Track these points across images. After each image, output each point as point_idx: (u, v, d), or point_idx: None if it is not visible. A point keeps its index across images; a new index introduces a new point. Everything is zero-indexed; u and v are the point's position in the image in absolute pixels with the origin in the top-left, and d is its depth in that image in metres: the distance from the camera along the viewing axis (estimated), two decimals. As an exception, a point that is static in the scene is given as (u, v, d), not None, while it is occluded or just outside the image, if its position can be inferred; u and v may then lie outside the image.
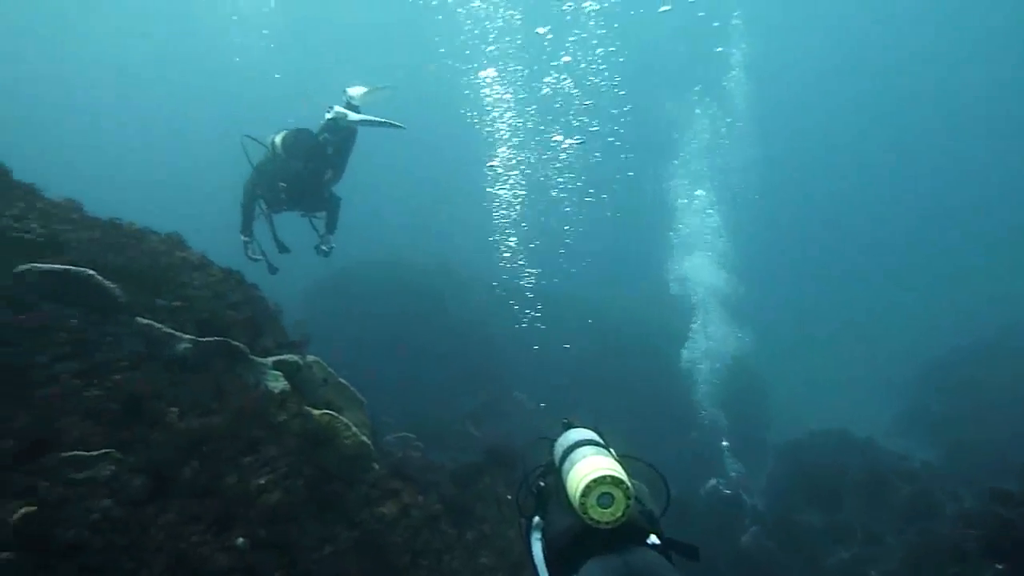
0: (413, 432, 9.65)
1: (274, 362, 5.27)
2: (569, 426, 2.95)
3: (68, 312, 4.13)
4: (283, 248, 7.77)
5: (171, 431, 4.00)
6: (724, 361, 15.09)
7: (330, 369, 6.54)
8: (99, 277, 4.31)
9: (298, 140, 7.26)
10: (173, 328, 4.74)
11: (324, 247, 7.76)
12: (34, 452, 3.40)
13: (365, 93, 7.73)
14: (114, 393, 3.94)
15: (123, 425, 3.85)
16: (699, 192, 17.81)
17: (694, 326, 15.70)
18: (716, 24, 24.65)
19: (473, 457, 9.04)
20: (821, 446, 14.49)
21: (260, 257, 7.64)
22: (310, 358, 6.34)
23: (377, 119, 7.25)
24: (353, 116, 7.23)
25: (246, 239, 7.59)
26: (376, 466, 5.33)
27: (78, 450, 3.52)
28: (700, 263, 16.67)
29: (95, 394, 3.87)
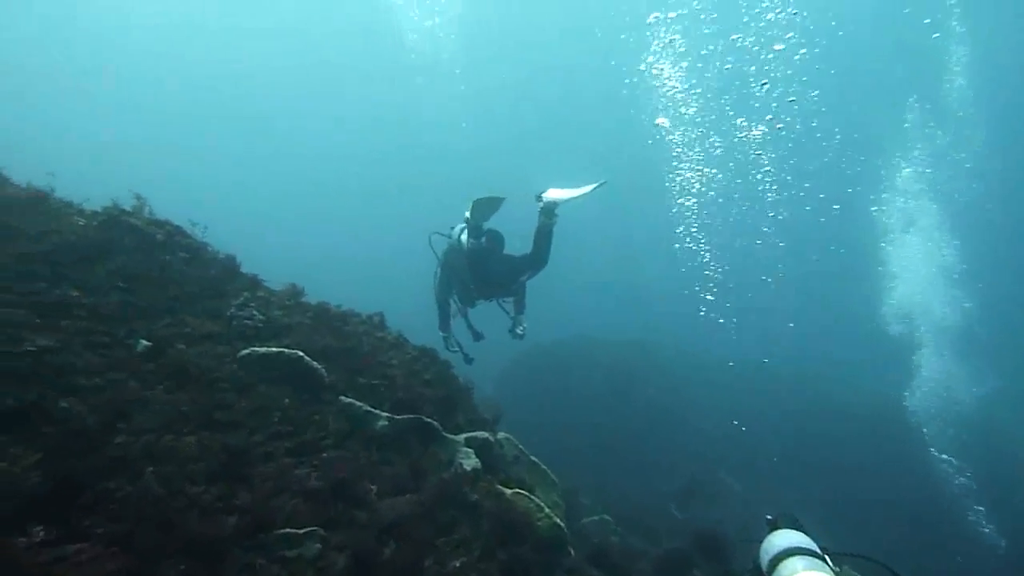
0: (611, 515, 9.13)
1: (466, 439, 5.27)
2: (774, 526, 2.67)
3: (281, 392, 4.47)
4: (478, 336, 8.02)
5: (371, 510, 4.06)
6: (961, 410, 12.77)
7: (521, 447, 6.44)
8: (307, 359, 4.65)
9: (492, 238, 7.36)
10: (372, 406, 4.95)
11: (518, 329, 7.76)
12: (253, 529, 3.62)
13: (571, 198, 7.66)
14: (320, 471, 4.13)
15: (328, 503, 3.99)
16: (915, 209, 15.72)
17: (923, 373, 13.56)
18: (931, 27, 22.01)
19: (678, 544, 8.29)
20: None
21: (457, 349, 7.91)
22: (501, 435, 6.31)
23: (570, 195, 7.22)
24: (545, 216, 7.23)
25: (444, 334, 7.92)
26: (572, 551, 4.99)
27: (289, 527, 3.68)
28: (924, 293, 14.52)
29: (304, 472, 4.08)
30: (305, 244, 44.50)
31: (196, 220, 5.49)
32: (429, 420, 5.14)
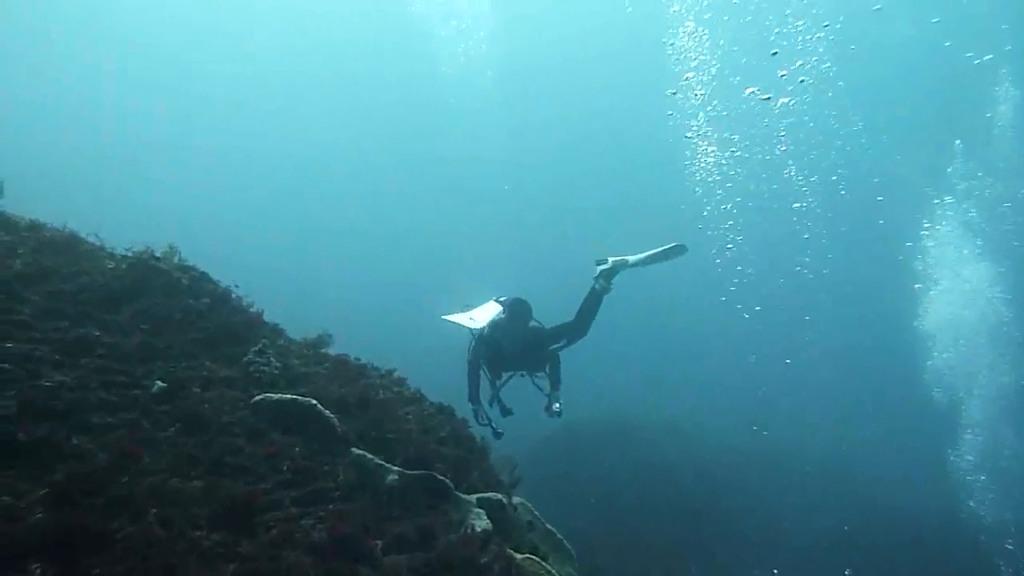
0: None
1: (478, 499, 5.16)
2: None
3: (292, 440, 4.48)
4: (506, 411, 7.95)
5: (375, 567, 3.97)
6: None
7: (536, 513, 6.28)
8: (320, 407, 4.67)
9: (518, 302, 7.65)
10: (383, 460, 4.91)
11: (555, 406, 7.66)
12: (251, 579, 3.56)
13: (640, 261, 7.65)
14: (326, 523, 4.08)
15: (331, 556, 3.92)
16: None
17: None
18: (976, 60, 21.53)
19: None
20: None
21: (487, 423, 7.76)
22: (516, 499, 6.16)
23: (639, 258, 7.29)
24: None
25: (474, 407, 7.83)
26: (587, 628, 4.77)
27: (288, 579, 3.61)
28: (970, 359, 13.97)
29: (309, 523, 4.03)
30: (329, 268, 44.33)
31: (237, 283, 5.67)
32: (441, 478, 5.06)
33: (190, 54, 42.08)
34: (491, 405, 7.92)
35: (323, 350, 5.87)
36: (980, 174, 18.81)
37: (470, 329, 7.95)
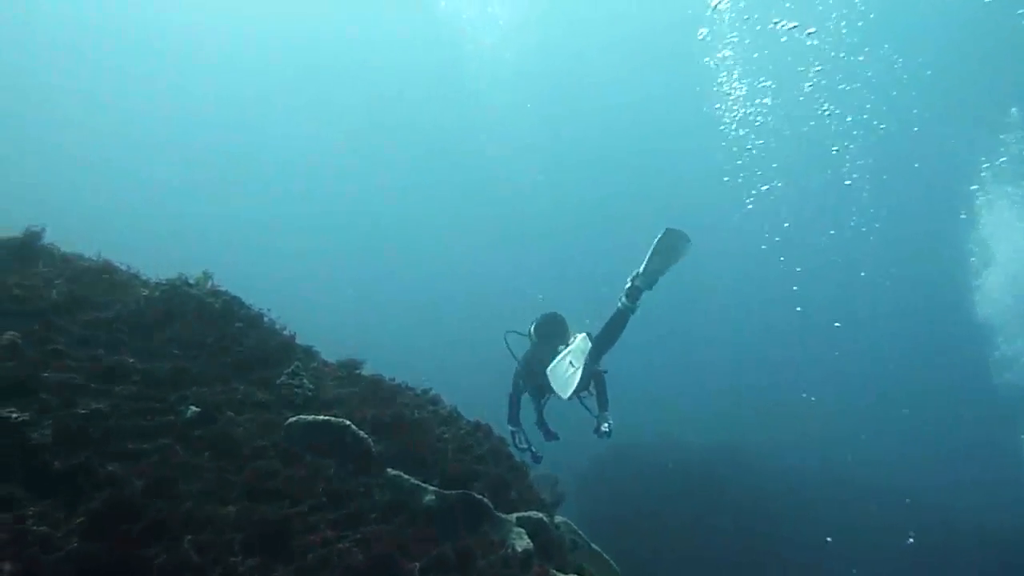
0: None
1: (518, 518, 5.05)
2: None
3: (327, 463, 4.44)
4: (550, 435, 7.86)
5: (414, 590, 3.89)
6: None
7: (580, 532, 6.13)
8: (354, 428, 4.64)
9: (547, 322, 7.65)
10: (420, 480, 4.84)
11: (604, 427, 7.45)
12: (287, 604, 3.51)
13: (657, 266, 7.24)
14: (362, 546, 4.02)
15: (370, 580, 3.85)
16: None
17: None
18: None
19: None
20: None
21: (526, 447, 7.69)
22: (558, 519, 6.03)
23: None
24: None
25: (513, 429, 7.76)
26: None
27: (325, 604, 3.55)
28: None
29: (345, 546, 3.97)
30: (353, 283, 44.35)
31: (269, 307, 5.71)
32: (480, 497, 4.97)
33: (211, 59, 42.61)
34: (538, 427, 7.85)
35: (356, 371, 5.86)
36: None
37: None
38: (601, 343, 7.02)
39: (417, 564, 4.03)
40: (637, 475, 17.35)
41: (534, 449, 7.64)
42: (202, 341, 4.76)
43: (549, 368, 6.98)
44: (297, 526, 3.99)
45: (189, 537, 3.52)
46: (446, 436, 5.78)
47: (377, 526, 4.25)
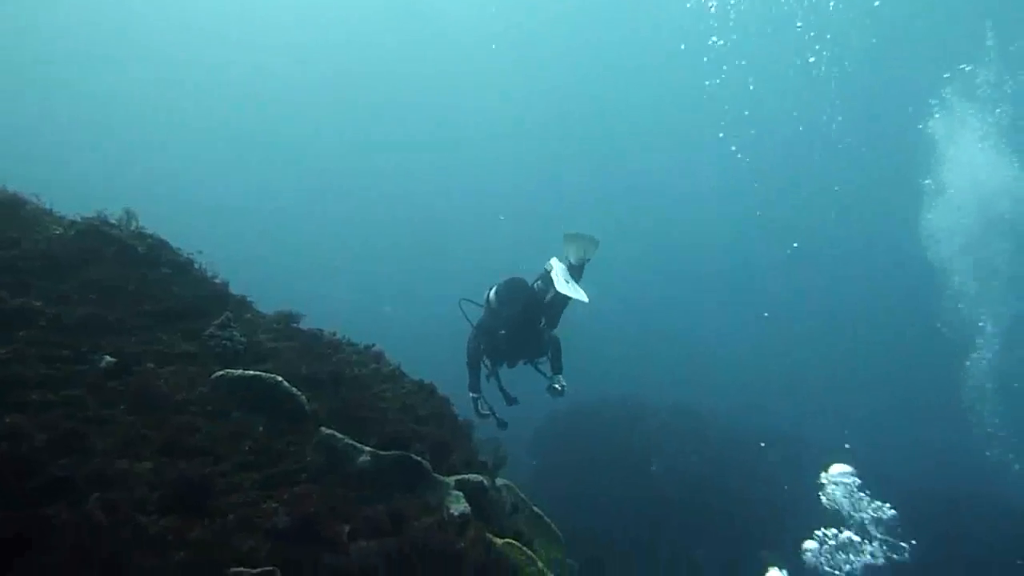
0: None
1: (457, 481, 4.99)
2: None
3: (255, 420, 4.27)
4: (511, 400, 7.98)
5: (341, 553, 3.79)
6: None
7: (523, 496, 6.13)
8: (287, 384, 4.46)
9: (510, 288, 7.81)
10: (355, 440, 4.72)
11: (556, 386, 7.80)
12: (203, 566, 3.37)
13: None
14: (289, 507, 3.89)
15: (293, 542, 3.74)
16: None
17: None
18: None
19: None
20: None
21: (489, 412, 7.88)
22: (500, 482, 6.00)
23: (570, 293, 7.39)
24: (560, 286, 7.38)
25: (474, 395, 7.95)
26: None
27: (244, 567, 3.43)
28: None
29: (270, 507, 3.84)
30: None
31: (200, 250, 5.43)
32: (418, 459, 4.88)
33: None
34: (499, 390, 7.96)
35: (294, 324, 5.64)
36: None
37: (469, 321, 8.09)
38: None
39: (346, 527, 3.93)
40: (593, 434, 17.57)
41: (498, 415, 7.82)
42: (122, 287, 4.49)
43: (559, 287, 7.33)
44: (219, 485, 3.84)
45: (96, 495, 3.33)
46: (387, 395, 5.66)
47: (305, 487, 4.12)
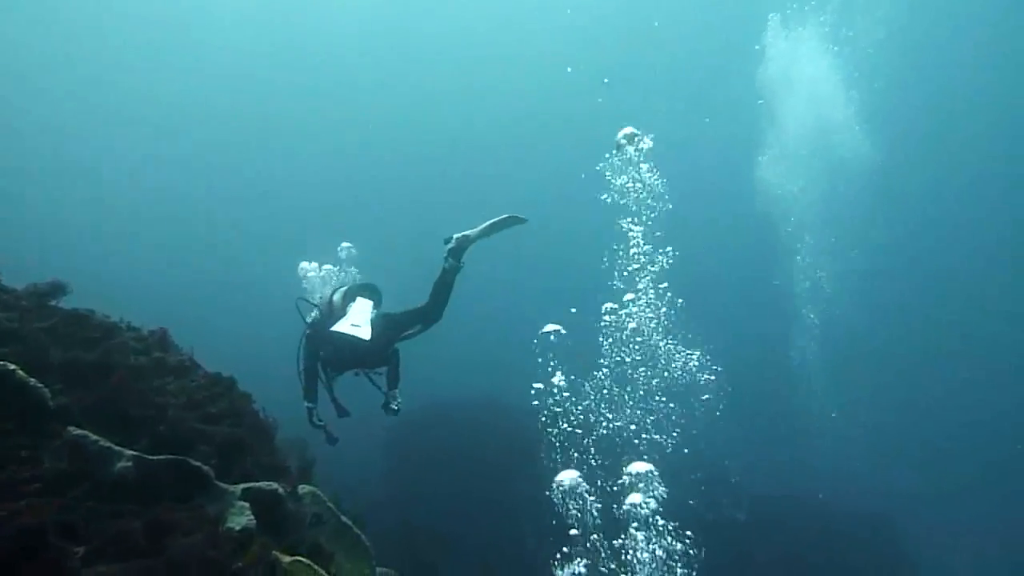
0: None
1: (243, 490, 4.50)
2: None
3: (-26, 416, 3.58)
4: (343, 412, 7.62)
5: (70, 580, 3.23)
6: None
7: (330, 505, 5.73)
8: (21, 373, 3.79)
9: (360, 294, 7.39)
10: (118, 442, 4.12)
11: (393, 405, 7.53)
12: None
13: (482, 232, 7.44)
14: (8, 521, 3.27)
15: (9, 567, 3.14)
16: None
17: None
18: None
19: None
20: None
21: (322, 424, 7.54)
22: (304, 489, 5.56)
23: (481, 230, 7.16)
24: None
25: (309, 406, 7.49)
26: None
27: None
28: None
29: (-19, 525, 3.20)
30: None
31: None
32: (196, 464, 4.35)
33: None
34: (331, 400, 7.57)
35: (51, 302, 4.87)
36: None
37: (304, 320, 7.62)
38: (432, 307, 7.20)
39: (80, 548, 3.37)
40: (446, 439, 17.44)
41: (330, 430, 7.54)
42: None
43: (337, 325, 6.90)
44: (-93, 498, 3.15)
45: None
46: (170, 388, 5.04)
47: (35, 500, 3.50)
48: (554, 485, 8.40)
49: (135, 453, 4.10)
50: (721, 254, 29.89)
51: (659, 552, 8.08)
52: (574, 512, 8.52)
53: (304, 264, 8.62)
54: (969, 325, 30.74)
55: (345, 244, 8.96)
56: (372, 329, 6.87)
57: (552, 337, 9.10)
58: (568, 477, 8.44)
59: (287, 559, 4.19)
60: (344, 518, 5.79)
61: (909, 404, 28.67)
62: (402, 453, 17.39)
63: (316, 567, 4.23)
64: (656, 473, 8.14)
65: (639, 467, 8.24)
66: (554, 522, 8.78)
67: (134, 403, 4.59)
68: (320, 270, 8.62)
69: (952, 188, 29.70)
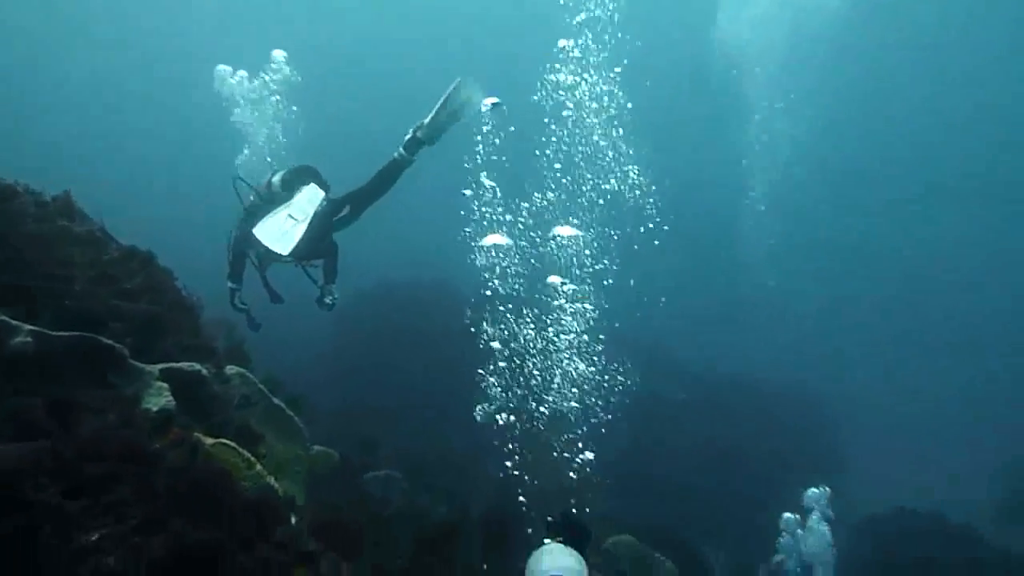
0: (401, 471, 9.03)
1: (162, 370, 4.28)
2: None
3: None
4: (276, 298, 7.34)
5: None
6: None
7: (260, 386, 5.59)
8: None
9: (300, 177, 6.82)
10: (13, 316, 3.80)
11: (328, 299, 7.25)
12: None
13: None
14: None
15: None
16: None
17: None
18: None
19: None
20: (908, 527, 13.51)
21: (244, 308, 7.26)
22: (231, 370, 5.38)
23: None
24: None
25: (233, 287, 7.18)
26: (293, 519, 4.28)
27: None
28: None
29: None
30: None
31: None
32: (108, 341, 4.09)
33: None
34: (264, 286, 7.27)
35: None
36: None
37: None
38: (368, 194, 6.75)
39: (-30, 427, 3.14)
40: (395, 317, 17.41)
41: (253, 315, 7.30)
42: None
43: (259, 224, 6.42)
44: None
45: None
46: (76, 260, 4.67)
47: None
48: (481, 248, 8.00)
49: (34, 328, 3.80)
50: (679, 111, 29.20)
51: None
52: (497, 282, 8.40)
53: (222, 67, 7.64)
54: (913, 185, 30.92)
55: (278, 52, 7.96)
56: (308, 227, 6.42)
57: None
58: (494, 240, 8.16)
59: (210, 441, 4.05)
60: (276, 399, 5.68)
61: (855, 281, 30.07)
62: (347, 332, 17.22)
63: (240, 449, 4.11)
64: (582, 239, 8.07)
65: (565, 231, 8.13)
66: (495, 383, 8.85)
67: (35, 275, 4.23)
68: (246, 80, 7.68)
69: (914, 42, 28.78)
